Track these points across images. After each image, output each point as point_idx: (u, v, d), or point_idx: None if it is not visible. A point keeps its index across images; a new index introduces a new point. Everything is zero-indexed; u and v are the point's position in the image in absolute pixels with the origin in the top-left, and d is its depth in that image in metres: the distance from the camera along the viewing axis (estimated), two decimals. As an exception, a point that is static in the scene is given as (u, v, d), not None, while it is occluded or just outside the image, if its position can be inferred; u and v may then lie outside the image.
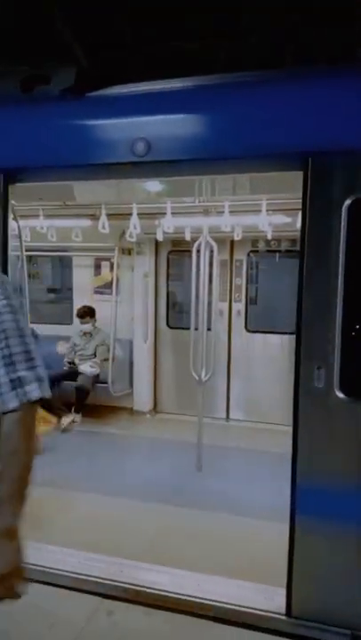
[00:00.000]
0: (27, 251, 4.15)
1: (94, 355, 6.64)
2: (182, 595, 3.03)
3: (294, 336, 2.77)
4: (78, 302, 7.02)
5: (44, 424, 5.45)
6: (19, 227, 3.92)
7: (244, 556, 3.52)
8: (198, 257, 5.05)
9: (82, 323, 6.69)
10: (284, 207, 4.59)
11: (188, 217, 4.99)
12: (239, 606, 2.93)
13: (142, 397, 6.92)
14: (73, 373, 6.49)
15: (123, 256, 6.66)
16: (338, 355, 2.66)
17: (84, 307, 6.73)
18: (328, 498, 2.70)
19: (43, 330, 6.43)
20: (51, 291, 8.43)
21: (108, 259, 6.75)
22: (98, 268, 7.11)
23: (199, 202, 4.63)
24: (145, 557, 3.43)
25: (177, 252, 6.87)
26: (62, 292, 8.20)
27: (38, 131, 3.15)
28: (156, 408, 7.13)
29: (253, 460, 5.41)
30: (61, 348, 6.77)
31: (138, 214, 4.53)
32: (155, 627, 2.90)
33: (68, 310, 7.27)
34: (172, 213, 4.58)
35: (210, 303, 5.31)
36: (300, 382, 2.73)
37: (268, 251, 6.57)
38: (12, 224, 3.68)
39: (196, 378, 5.16)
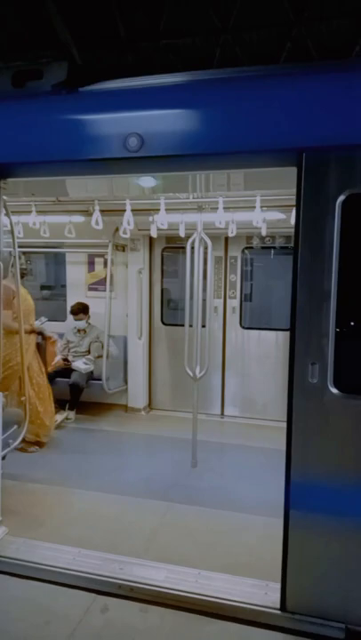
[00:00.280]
0: (19, 247, 4.12)
1: (88, 351, 6.62)
2: (177, 590, 3.04)
3: (288, 332, 2.77)
4: (72, 299, 6.99)
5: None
6: (11, 223, 3.89)
7: (240, 551, 3.53)
8: (193, 253, 5.04)
9: (76, 319, 6.66)
10: (278, 203, 4.59)
11: (182, 213, 4.97)
12: (235, 601, 2.94)
13: (137, 394, 6.91)
14: (67, 370, 6.47)
15: (117, 252, 6.64)
16: (332, 351, 2.67)
17: (78, 303, 6.70)
18: (322, 493, 2.71)
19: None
20: (44, 287, 8.39)
21: (101, 255, 6.72)
22: (92, 264, 7.08)
23: (193, 198, 4.62)
24: (140, 553, 3.43)
25: (171, 248, 6.86)
26: (56, 288, 8.16)
27: (30, 126, 3.13)
28: (150, 405, 7.13)
29: (248, 456, 5.43)
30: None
31: (131, 210, 4.51)
32: (150, 623, 2.90)
33: (62, 307, 7.25)
34: (166, 209, 4.56)
35: (204, 300, 5.30)
36: (295, 378, 2.73)
37: (263, 247, 6.57)
38: (4, 220, 3.67)
39: (191, 374, 5.16)
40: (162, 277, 7.04)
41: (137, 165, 3.06)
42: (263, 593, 2.99)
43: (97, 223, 4.62)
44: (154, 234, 5.21)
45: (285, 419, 2.80)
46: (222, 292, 6.74)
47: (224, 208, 4.37)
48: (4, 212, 3.64)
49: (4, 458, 3.89)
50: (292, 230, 2.75)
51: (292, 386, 2.75)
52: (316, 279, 2.67)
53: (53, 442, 5.60)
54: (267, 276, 6.88)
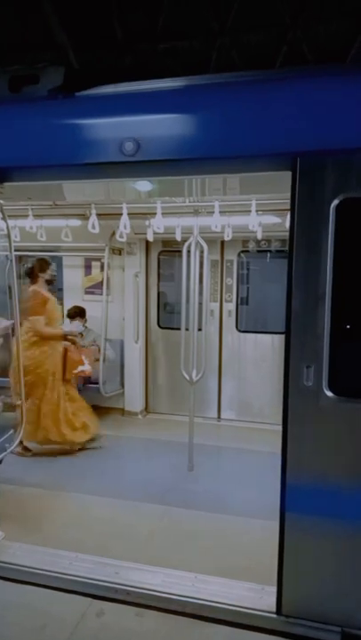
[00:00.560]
0: (16, 251, 4.12)
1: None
2: (173, 594, 3.04)
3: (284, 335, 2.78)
4: (69, 302, 6.99)
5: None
6: (7, 226, 3.89)
7: (236, 554, 3.53)
8: (189, 257, 5.05)
9: (72, 323, 6.66)
10: (273, 207, 4.61)
11: (178, 217, 4.99)
12: (231, 605, 2.94)
13: (134, 398, 6.90)
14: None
15: (113, 256, 6.65)
16: (327, 354, 2.68)
17: (75, 307, 6.70)
18: (318, 496, 2.72)
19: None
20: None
21: (98, 259, 6.73)
22: (88, 268, 7.09)
23: (189, 202, 4.64)
24: (136, 557, 3.43)
25: (168, 252, 6.87)
26: (53, 292, 8.15)
27: (26, 130, 3.14)
28: (147, 408, 7.13)
29: (245, 459, 5.43)
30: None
31: (128, 214, 4.53)
32: (146, 627, 2.89)
33: (59, 311, 7.24)
34: (163, 213, 4.58)
35: (201, 303, 5.32)
36: (290, 381, 2.74)
37: (259, 251, 6.59)
38: (0, 224, 3.67)
39: (188, 378, 5.16)
40: (158, 281, 7.05)
41: (133, 170, 3.07)
42: (259, 597, 2.99)
43: (93, 227, 4.63)
44: (150, 237, 5.22)
45: (281, 422, 2.80)
46: (218, 296, 6.76)
47: (220, 212, 4.39)
48: (0, 216, 3.65)
49: (0, 462, 3.88)
50: (288, 234, 2.77)
51: (287, 389, 2.76)
52: (311, 282, 2.68)
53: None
54: (263, 280, 6.90)
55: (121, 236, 4.99)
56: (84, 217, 5.10)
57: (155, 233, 5.01)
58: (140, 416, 6.91)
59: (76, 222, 5.54)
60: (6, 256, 4.02)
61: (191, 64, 8.67)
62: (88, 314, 6.70)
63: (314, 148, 2.64)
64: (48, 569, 3.25)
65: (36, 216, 5.19)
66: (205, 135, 2.86)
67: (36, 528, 3.86)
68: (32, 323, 5.27)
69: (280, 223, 4.94)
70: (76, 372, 5.67)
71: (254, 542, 3.66)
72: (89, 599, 3.08)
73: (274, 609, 2.86)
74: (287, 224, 2.88)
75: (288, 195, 2.73)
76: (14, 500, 4.23)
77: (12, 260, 3.93)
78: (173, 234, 5.11)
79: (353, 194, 2.61)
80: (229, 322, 6.79)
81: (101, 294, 6.55)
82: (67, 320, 6.73)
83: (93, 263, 7.01)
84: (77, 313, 6.64)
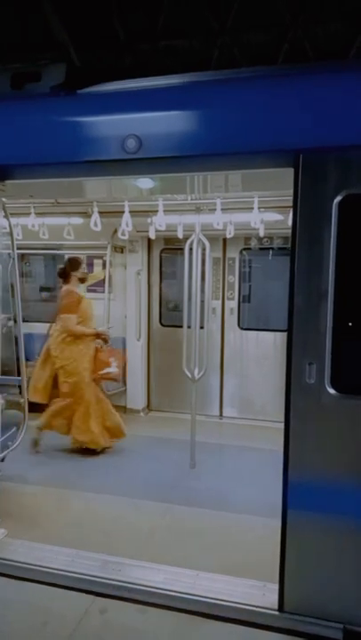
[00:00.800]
0: (18, 249, 4.12)
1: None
2: (176, 592, 3.04)
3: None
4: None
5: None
6: (10, 224, 3.89)
7: (238, 552, 3.53)
8: (191, 255, 5.05)
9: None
10: (276, 204, 4.60)
11: (180, 214, 4.98)
12: (233, 602, 2.94)
13: (136, 395, 6.91)
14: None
15: (115, 254, 6.65)
16: (329, 351, 2.67)
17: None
18: (320, 493, 2.72)
19: (36, 328, 6.39)
20: (43, 289, 8.38)
21: (100, 257, 6.73)
22: (90, 265, 7.08)
23: (191, 199, 4.63)
24: (138, 555, 3.43)
25: (169, 249, 6.87)
26: (55, 290, 8.15)
27: (29, 128, 3.13)
28: (149, 406, 7.13)
29: (247, 456, 5.43)
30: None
31: (130, 212, 4.52)
32: (148, 624, 2.90)
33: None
34: (165, 211, 4.57)
35: (203, 301, 5.31)
36: (292, 379, 2.74)
37: (261, 248, 6.58)
38: (3, 222, 3.67)
39: (189, 376, 5.16)
40: (160, 279, 7.05)
41: (135, 167, 3.07)
42: (261, 594, 2.99)
43: (96, 225, 4.62)
44: (152, 235, 5.22)
45: (283, 419, 2.80)
46: (220, 294, 6.75)
47: (222, 209, 4.38)
48: (2, 214, 3.65)
49: (2, 460, 3.89)
50: (290, 231, 2.76)
51: (289, 386, 2.75)
52: (314, 280, 2.68)
53: (51, 443, 5.60)
54: (265, 277, 6.89)
55: (123, 234, 4.99)
56: (87, 215, 5.10)
57: (157, 230, 5.01)
58: (142, 414, 6.91)
59: (78, 220, 5.54)
60: (8, 254, 4.02)
61: (192, 63, 8.66)
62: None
63: (316, 144, 2.63)
64: (50, 566, 3.26)
65: (38, 214, 5.19)
66: (207, 132, 2.85)
67: (38, 525, 3.87)
68: (63, 321, 5.32)
69: (282, 220, 4.93)
70: (101, 372, 5.61)
71: (256, 539, 3.66)
72: (91, 596, 3.09)
73: (276, 606, 2.86)
74: (289, 221, 2.87)
75: (290, 192, 2.72)
76: (16, 497, 4.23)
77: (14, 259, 3.93)
78: (175, 231, 5.11)
79: (355, 190, 2.61)
80: (231, 319, 6.78)
81: (103, 292, 6.56)
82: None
83: (95, 261, 7.00)
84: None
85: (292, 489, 2.77)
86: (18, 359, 4.29)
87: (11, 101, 3.23)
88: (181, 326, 5.30)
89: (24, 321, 4.22)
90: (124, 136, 2.91)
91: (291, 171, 2.70)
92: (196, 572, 3.22)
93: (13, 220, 4.22)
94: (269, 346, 6.63)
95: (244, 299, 6.82)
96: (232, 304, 6.76)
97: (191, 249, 5.03)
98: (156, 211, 4.57)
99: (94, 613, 2.96)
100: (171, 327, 6.90)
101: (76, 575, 3.20)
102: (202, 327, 5.30)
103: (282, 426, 2.81)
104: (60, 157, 3.09)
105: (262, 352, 6.68)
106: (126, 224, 4.53)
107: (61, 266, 5.83)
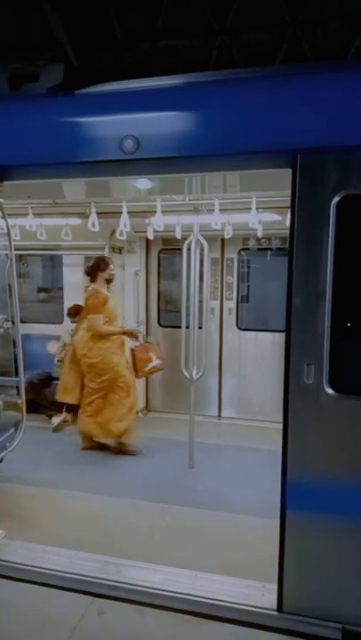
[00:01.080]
0: (16, 250, 4.12)
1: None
2: (174, 592, 3.04)
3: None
4: (69, 301, 6.97)
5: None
6: (7, 225, 3.89)
7: (237, 552, 3.53)
8: (189, 255, 5.05)
9: (73, 322, 6.64)
10: (274, 205, 4.60)
11: (178, 215, 4.98)
12: (231, 603, 2.94)
13: (134, 396, 6.90)
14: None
15: (113, 254, 6.63)
16: (327, 351, 2.67)
17: (75, 306, 6.67)
18: (318, 493, 2.72)
19: (34, 329, 6.40)
20: (41, 290, 8.38)
21: (98, 257, 6.72)
22: (88, 266, 7.08)
23: (189, 200, 4.63)
24: (137, 555, 3.43)
25: (168, 250, 6.87)
26: (53, 291, 8.15)
27: (26, 128, 3.13)
28: (147, 406, 7.13)
29: (245, 457, 5.43)
30: (52, 347, 6.73)
31: (128, 212, 4.52)
32: (147, 624, 2.90)
33: (59, 309, 7.24)
34: (163, 211, 4.57)
35: (201, 301, 5.31)
36: (290, 379, 2.74)
37: (259, 249, 6.58)
38: (0, 222, 3.66)
39: (188, 376, 5.16)
40: (158, 279, 7.05)
41: (133, 167, 3.07)
42: (260, 594, 2.99)
43: (93, 225, 4.62)
44: (150, 236, 5.22)
45: (282, 419, 2.80)
46: (219, 294, 6.75)
47: (220, 210, 4.38)
48: (0, 214, 3.65)
49: (1, 461, 3.88)
50: (288, 231, 2.77)
51: (287, 386, 2.75)
52: (312, 280, 2.68)
53: (51, 444, 5.60)
54: (263, 278, 6.89)
55: (121, 235, 4.99)
56: (84, 215, 5.10)
57: (155, 231, 5.01)
58: (140, 414, 6.90)
59: (75, 221, 5.54)
60: (6, 255, 4.01)
61: (191, 63, 8.67)
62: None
63: (314, 145, 2.63)
64: (48, 567, 3.26)
65: (36, 214, 5.19)
66: (205, 132, 2.85)
67: (36, 526, 3.86)
68: (90, 321, 5.32)
69: (280, 221, 4.94)
70: (147, 369, 5.62)
71: (255, 540, 3.66)
72: (90, 597, 3.09)
73: (275, 606, 2.87)
74: (288, 222, 2.88)
75: (288, 192, 2.72)
76: (14, 498, 4.23)
77: (11, 259, 3.92)
78: (173, 232, 5.11)
79: (353, 191, 2.61)
80: (230, 320, 6.78)
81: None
82: (67, 318, 6.73)
83: (94, 261, 6.99)
84: (78, 311, 6.62)
85: (291, 489, 2.77)
86: (16, 360, 4.29)
87: (8, 102, 3.23)
88: (180, 327, 5.30)
89: (21, 322, 4.21)
90: (122, 136, 2.91)
91: (289, 171, 2.70)
92: (195, 572, 3.22)
93: (11, 221, 4.21)
94: (268, 346, 6.63)
95: (243, 299, 6.82)
96: (230, 304, 6.76)
97: (189, 249, 5.03)
98: (155, 211, 4.57)
99: (93, 614, 2.96)
100: (169, 327, 6.90)
101: (74, 576, 3.19)
102: (200, 327, 5.30)
103: (280, 426, 2.81)
104: (58, 158, 3.09)
105: (261, 352, 6.68)
106: (124, 224, 4.54)
107: (89, 264, 5.75)
